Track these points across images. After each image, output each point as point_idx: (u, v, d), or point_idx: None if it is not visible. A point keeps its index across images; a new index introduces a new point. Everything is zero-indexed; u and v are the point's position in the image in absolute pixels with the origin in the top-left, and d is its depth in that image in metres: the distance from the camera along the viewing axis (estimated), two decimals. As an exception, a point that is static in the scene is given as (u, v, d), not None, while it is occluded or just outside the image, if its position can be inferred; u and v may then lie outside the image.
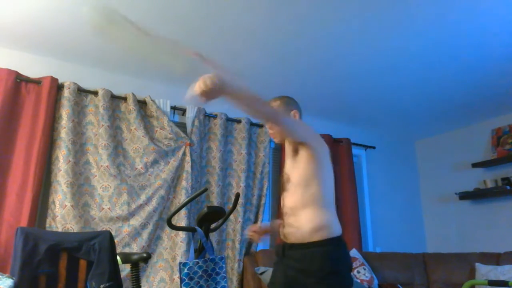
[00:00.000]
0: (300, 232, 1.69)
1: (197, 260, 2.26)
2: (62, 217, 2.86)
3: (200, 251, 2.38)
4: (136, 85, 3.52)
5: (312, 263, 1.63)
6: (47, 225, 2.87)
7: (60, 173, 2.94)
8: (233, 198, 3.64)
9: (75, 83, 3.14)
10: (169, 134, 3.41)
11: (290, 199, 1.77)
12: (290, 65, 3.31)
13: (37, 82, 3.01)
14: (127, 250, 3.05)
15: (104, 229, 2.98)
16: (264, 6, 2.54)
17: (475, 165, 4.44)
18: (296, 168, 1.77)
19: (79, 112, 3.17)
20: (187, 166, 3.41)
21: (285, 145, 1.90)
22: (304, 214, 1.70)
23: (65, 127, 3.02)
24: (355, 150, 4.64)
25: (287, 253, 1.73)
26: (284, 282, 1.72)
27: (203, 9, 2.58)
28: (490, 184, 4.26)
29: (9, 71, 2.91)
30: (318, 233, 1.65)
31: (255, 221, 3.72)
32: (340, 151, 4.42)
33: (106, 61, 3.26)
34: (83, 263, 2.17)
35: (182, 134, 3.47)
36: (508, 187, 4.08)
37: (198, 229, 2.37)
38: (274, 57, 3.18)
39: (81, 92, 3.21)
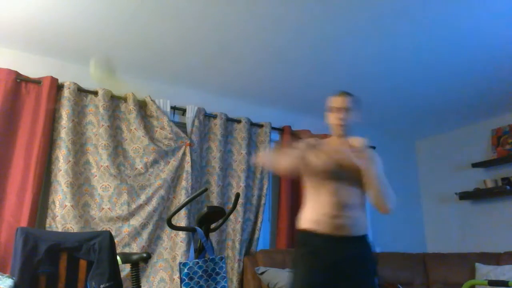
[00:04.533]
0: (360, 227, 1.87)
1: (197, 260, 2.26)
2: (62, 217, 2.86)
3: (200, 251, 2.38)
4: (136, 85, 3.52)
5: (371, 253, 1.91)
6: (47, 225, 2.87)
7: (60, 173, 2.94)
8: (233, 198, 3.64)
9: (75, 83, 3.14)
10: (169, 134, 3.41)
11: (355, 194, 1.91)
12: (291, 65, 3.31)
13: (37, 82, 3.01)
14: (127, 250, 3.05)
15: (104, 229, 2.97)
16: (264, 4, 2.54)
17: (475, 165, 4.44)
18: (360, 169, 1.91)
19: (79, 112, 3.17)
20: (187, 166, 3.41)
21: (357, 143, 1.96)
22: (362, 211, 1.92)
23: (65, 127, 3.02)
24: (355, 150, 4.63)
25: (343, 245, 1.84)
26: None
27: (198, 7, 2.58)
28: (490, 184, 4.25)
29: (9, 71, 2.91)
30: (366, 229, 1.92)
31: (255, 221, 3.72)
32: (340, 151, 4.42)
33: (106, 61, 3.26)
34: (83, 263, 2.17)
35: (182, 134, 3.47)
36: (508, 187, 4.08)
37: (198, 229, 2.38)
38: (276, 58, 3.18)
39: (81, 92, 3.21)
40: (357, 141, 1.94)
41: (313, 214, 1.89)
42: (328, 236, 1.83)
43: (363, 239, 1.89)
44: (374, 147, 4.83)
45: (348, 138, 1.99)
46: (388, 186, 1.93)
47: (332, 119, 2.01)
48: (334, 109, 2.00)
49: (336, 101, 2.01)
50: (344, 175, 1.90)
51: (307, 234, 1.87)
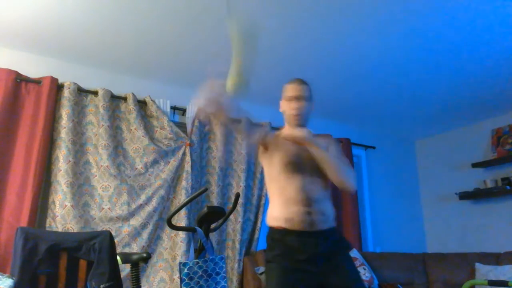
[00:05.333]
0: (330, 219, 1.83)
1: (197, 260, 2.26)
2: (62, 217, 2.86)
3: (200, 251, 2.38)
4: (136, 85, 3.52)
5: (343, 243, 1.89)
6: (47, 225, 2.87)
7: (60, 173, 2.94)
8: (233, 198, 3.64)
9: (75, 83, 3.14)
10: (169, 134, 3.41)
11: (320, 186, 1.84)
12: (291, 65, 3.31)
13: (37, 82, 3.01)
14: (127, 250, 3.05)
15: (104, 229, 2.97)
16: (263, 4, 2.54)
17: (475, 165, 4.44)
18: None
19: (79, 112, 3.17)
20: (187, 166, 3.41)
21: (306, 132, 1.88)
22: (329, 203, 1.87)
23: (65, 127, 3.02)
24: (355, 150, 4.64)
25: (316, 240, 1.77)
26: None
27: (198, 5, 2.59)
28: (490, 184, 4.26)
29: (9, 71, 2.91)
30: (334, 221, 1.88)
31: (255, 221, 3.72)
32: (340, 151, 4.42)
33: (106, 61, 3.26)
34: (83, 263, 2.17)
35: (182, 134, 3.47)
36: (508, 187, 4.08)
37: (198, 229, 2.37)
38: (276, 58, 3.18)
39: (81, 92, 3.21)
40: (304, 131, 1.86)
41: (283, 211, 1.81)
42: (300, 233, 1.76)
43: (334, 230, 1.85)
44: (374, 147, 4.84)
45: (304, 128, 1.89)
46: (346, 166, 1.83)
47: (288, 108, 1.89)
48: (290, 98, 1.88)
49: (292, 89, 1.88)
50: (307, 167, 1.83)
51: (279, 233, 1.80)
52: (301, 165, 1.83)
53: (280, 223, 1.80)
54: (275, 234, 1.82)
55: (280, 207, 1.82)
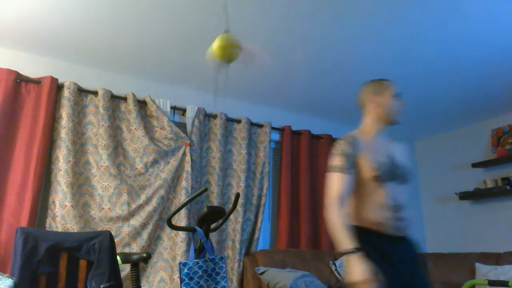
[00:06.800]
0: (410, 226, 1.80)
1: (197, 260, 2.26)
2: (62, 217, 2.86)
3: (200, 251, 2.38)
4: (136, 85, 3.52)
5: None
6: (47, 225, 2.87)
7: (60, 173, 2.94)
8: (233, 198, 3.64)
9: (75, 83, 3.14)
10: (169, 134, 3.41)
11: (406, 195, 1.80)
12: (292, 66, 3.31)
13: (37, 82, 3.01)
14: (127, 250, 3.05)
15: (104, 229, 2.97)
16: (267, 5, 2.54)
17: (475, 165, 4.44)
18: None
19: (79, 112, 3.17)
20: (187, 166, 3.41)
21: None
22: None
23: (65, 127, 3.02)
24: (355, 150, 4.63)
25: (404, 245, 1.75)
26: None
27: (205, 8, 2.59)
28: (490, 184, 4.25)
29: (9, 71, 2.91)
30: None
31: (255, 221, 3.72)
32: (340, 151, 4.42)
33: (106, 61, 3.26)
34: (83, 263, 2.17)
35: (182, 134, 3.47)
36: (508, 187, 4.07)
37: (198, 229, 2.38)
38: (277, 58, 3.18)
39: (81, 92, 3.21)
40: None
41: (375, 215, 1.73)
42: (390, 237, 1.73)
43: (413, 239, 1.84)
44: (374, 147, 4.83)
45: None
46: None
47: (398, 104, 1.83)
48: (397, 94, 1.82)
49: (396, 87, 1.83)
50: (399, 174, 1.79)
51: (371, 234, 1.73)
52: (405, 172, 1.84)
53: (373, 226, 1.74)
54: (369, 235, 1.74)
55: (374, 211, 1.75)
